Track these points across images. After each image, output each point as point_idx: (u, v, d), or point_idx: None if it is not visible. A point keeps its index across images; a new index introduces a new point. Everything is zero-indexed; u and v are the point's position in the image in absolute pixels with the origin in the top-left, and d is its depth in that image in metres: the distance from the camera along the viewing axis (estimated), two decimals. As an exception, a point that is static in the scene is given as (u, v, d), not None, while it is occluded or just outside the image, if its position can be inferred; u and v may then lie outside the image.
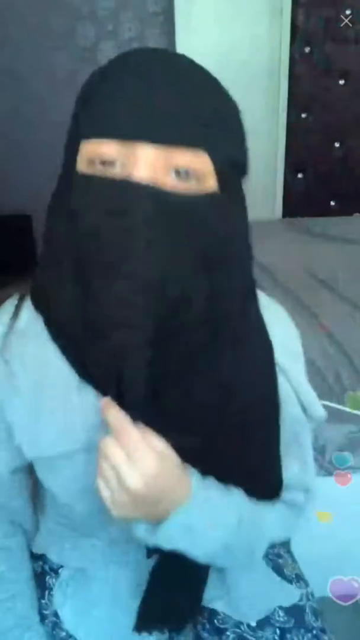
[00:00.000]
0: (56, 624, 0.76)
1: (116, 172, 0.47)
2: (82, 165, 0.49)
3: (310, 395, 0.69)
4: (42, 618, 0.76)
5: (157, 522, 0.55)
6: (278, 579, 0.80)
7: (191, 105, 0.47)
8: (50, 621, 0.76)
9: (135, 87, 0.46)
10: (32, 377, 0.60)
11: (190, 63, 0.50)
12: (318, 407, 0.71)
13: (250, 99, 3.18)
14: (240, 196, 0.54)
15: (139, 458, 0.50)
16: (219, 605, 0.76)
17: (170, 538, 0.56)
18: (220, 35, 3.12)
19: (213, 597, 0.76)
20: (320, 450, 1.20)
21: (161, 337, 0.50)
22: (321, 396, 1.28)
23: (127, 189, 0.46)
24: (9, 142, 3.00)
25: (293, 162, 3.24)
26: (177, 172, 0.47)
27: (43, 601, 0.77)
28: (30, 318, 0.62)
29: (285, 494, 0.70)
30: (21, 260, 2.88)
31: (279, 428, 0.65)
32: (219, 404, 0.59)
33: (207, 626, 0.76)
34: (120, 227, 0.46)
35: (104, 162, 0.47)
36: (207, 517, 0.58)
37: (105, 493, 0.53)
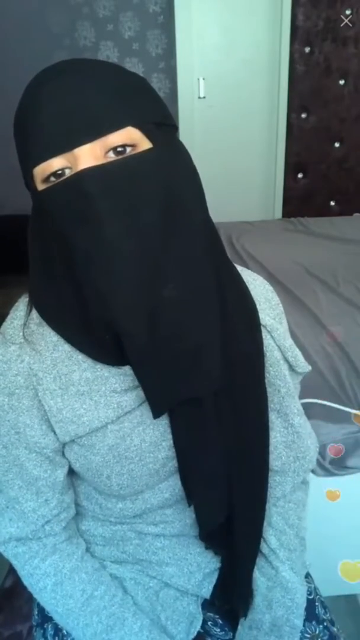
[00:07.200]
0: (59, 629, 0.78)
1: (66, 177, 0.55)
2: (40, 186, 0.57)
3: (295, 350, 0.73)
4: (48, 619, 0.78)
5: None
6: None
7: (105, 97, 0.54)
8: (52, 624, 0.79)
9: (59, 106, 0.53)
10: (55, 358, 0.64)
11: (90, 63, 0.56)
12: (304, 362, 0.74)
13: (250, 98, 3.20)
14: (175, 147, 0.59)
15: None
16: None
17: None
18: (220, 35, 3.12)
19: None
20: (320, 451, 1.20)
21: (149, 290, 0.55)
22: (321, 395, 1.29)
23: (77, 180, 0.53)
24: (9, 143, 3.00)
25: (293, 162, 3.25)
26: (115, 150, 0.54)
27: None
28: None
29: (283, 482, 0.76)
30: (21, 260, 2.86)
31: (266, 390, 0.70)
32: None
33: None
34: (84, 211, 0.53)
35: (55, 174, 0.55)
36: None
37: None
